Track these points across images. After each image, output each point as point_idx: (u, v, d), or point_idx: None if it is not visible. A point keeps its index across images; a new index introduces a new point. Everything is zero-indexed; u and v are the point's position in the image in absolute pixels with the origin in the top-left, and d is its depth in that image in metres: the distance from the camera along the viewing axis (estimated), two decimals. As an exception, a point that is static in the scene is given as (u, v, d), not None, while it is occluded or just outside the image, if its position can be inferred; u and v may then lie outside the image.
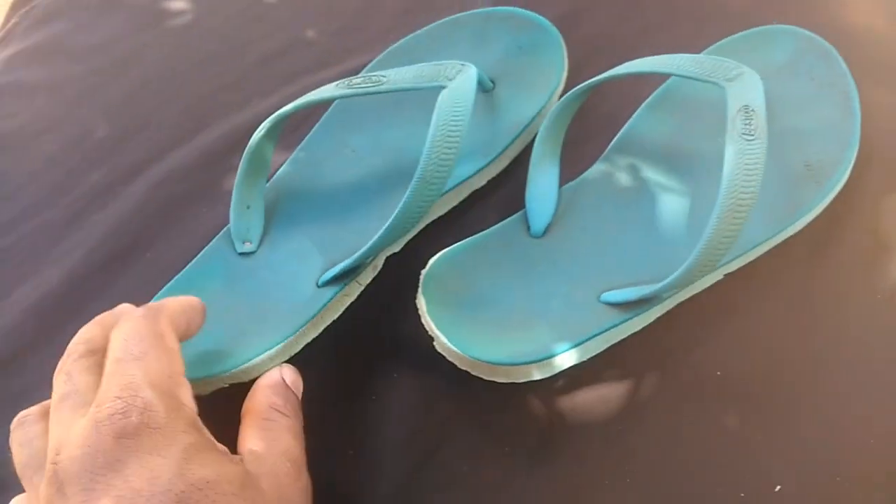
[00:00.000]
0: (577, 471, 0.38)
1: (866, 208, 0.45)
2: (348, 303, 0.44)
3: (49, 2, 0.67)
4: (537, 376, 0.40)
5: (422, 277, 0.42)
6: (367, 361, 0.43)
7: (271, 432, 0.33)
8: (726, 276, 0.43)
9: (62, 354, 0.45)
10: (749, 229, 0.42)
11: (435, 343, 0.40)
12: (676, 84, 0.49)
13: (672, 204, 0.45)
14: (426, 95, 0.41)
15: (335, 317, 0.43)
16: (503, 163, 0.49)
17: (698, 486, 0.37)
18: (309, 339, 0.42)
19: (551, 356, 0.39)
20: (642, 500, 0.37)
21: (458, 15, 0.54)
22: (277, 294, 0.43)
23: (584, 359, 0.41)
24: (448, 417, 0.40)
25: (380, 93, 0.42)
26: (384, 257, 0.45)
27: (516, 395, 0.40)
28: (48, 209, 0.52)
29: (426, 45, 0.53)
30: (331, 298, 0.42)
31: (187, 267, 0.44)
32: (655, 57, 0.43)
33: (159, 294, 0.42)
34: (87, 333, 0.34)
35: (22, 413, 0.33)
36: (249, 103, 0.55)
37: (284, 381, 0.36)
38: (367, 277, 0.44)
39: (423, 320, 0.40)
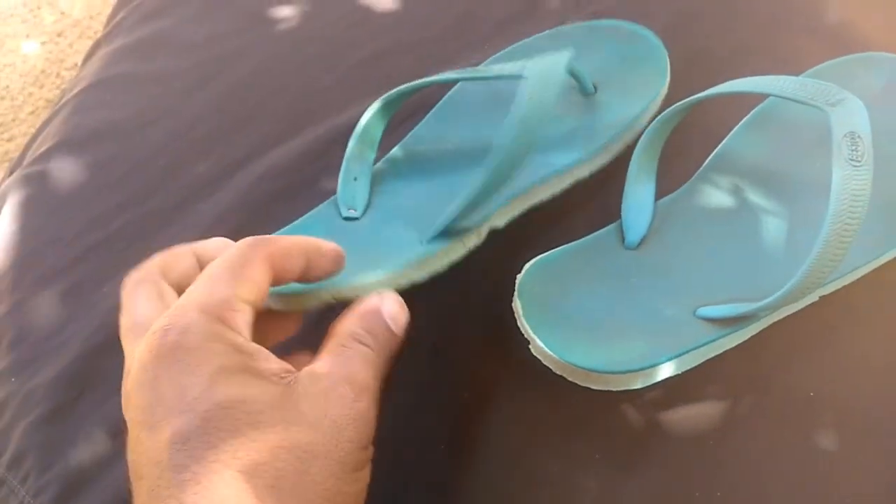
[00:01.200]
0: (666, 481, 0.39)
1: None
2: (454, 258, 0.45)
3: (155, -2, 0.69)
4: (633, 386, 0.40)
5: (518, 281, 0.42)
6: (464, 359, 0.44)
7: (340, 357, 0.31)
8: (822, 297, 0.43)
9: None
10: (848, 254, 0.42)
11: (531, 346, 0.41)
12: (774, 105, 0.49)
13: (767, 224, 0.45)
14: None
15: (439, 268, 0.44)
16: (604, 158, 0.49)
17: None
18: (414, 279, 0.43)
19: (648, 367, 0.39)
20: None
21: (561, 27, 0.55)
22: (381, 249, 0.44)
23: (679, 372, 0.41)
24: (540, 418, 0.41)
25: (486, 78, 0.46)
26: (488, 228, 0.46)
27: (610, 402, 0.41)
28: (154, 197, 0.53)
29: (527, 55, 0.54)
30: (437, 249, 0.43)
31: (291, 224, 0.45)
32: (759, 77, 0.43)
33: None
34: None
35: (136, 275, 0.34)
36: (349, 105, 0.56)
37: (380, 310, 0.34)
38: (470, 241, 0.45)
39: (518, 323, 0.41)
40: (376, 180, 0.48)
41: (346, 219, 0.46)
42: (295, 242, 0.34)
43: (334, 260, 0.36)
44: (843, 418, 0.39)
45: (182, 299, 0.30)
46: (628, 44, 0.53)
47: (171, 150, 0.56)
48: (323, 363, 0.31)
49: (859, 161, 0.37)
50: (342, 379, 0.30)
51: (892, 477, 0.37)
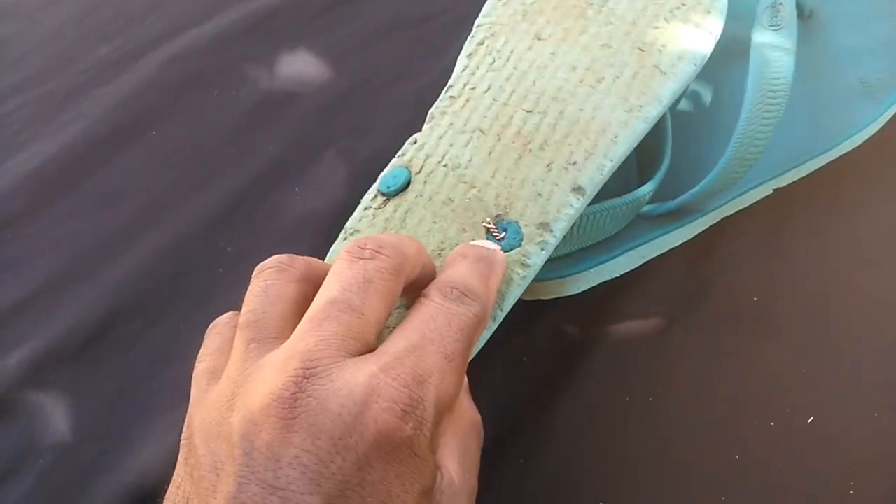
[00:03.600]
0: (602, 391, 0.36)
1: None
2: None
3: None
4: (565, 293, 0.38)
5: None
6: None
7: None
8: (775, 191, 0.41)
9: (53, 227, 0.43)
10: (800, 142, 0.40)
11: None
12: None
13: (712, 113, 0.43)
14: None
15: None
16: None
17: (728, 412, 0.35)
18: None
19: (581, 270, 0.37)
20: (669, 423, 0.35)
21: None
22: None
23: (617, 275, 0.38)
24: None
25: None
26: None
27: (540, 312, 0.38)
28: (52, 79, 0.50)
29: None
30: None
31: None
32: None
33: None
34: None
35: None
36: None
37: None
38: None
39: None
40: None
41: None
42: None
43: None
44: (786, 326, 0.37)
45: (419, 370, 0.23)
46: None
47: (74, 31, 0.52)
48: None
49: (779, 25, 0.37)
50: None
51: (835, 386, 0.35)
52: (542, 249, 0.30)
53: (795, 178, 0.41)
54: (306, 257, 0.27)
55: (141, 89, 0.48)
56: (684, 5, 0.35)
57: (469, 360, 0.25)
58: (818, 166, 0.41)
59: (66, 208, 0.44)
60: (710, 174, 0.35)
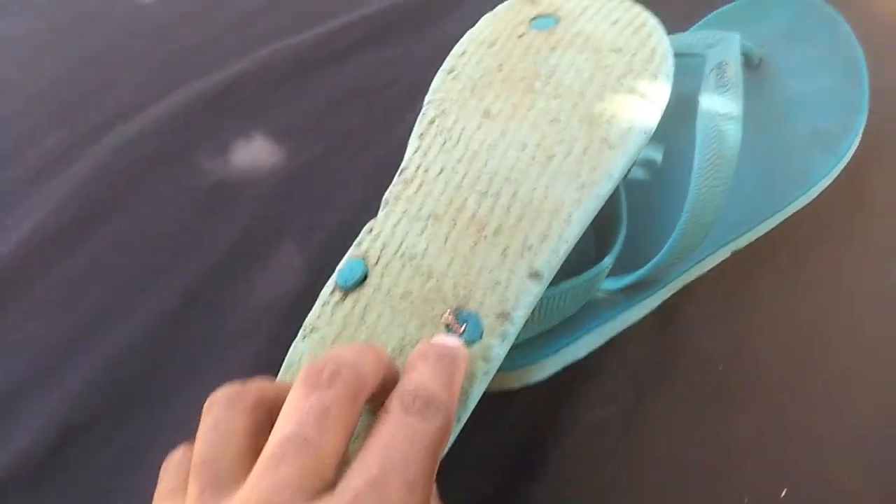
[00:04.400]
0: (578, 471, 0.36)
1: (877, 180, 0.43)
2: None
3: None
4: (531, 381, 0.37)
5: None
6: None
7: None
8: (733, 254, 0.41)
9: (9, 330, 0.42)
10: (756, 201, 0.40)
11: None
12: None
13: (667, 181, 0.43)
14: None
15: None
16: None
17: (702, 488, 0.35)
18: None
19: (545, 356, 0.36)
20: (649, 500, 0.35)
21: None
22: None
23: (582, 355, 0.38)
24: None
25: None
26: None
27: (509, 399, 0.38)
28: (7, 169, 0.49)
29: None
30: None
31: None
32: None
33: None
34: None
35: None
36: (225, 64, 0.51)
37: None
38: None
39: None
40: None
41: None
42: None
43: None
44: (755, 394, 0.37)
45: None
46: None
47: (26, 117, 0.51)
48: None
49: (725, 87, 0.36)
50: None
51: (807, 458, 0.35)
52: (504, 340, 0.29)
53: (753, 239, 0.41)
54: (258, 383, 0.26)
55: (94, 178, 0.47)
56: (631, 72, 0.35)
57: (435, 472, 0.25)
58: (775, 224, 0.41)
59: (22, 309, 0.43)
60: (665, 247, 0.35)
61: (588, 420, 0.37)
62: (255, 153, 0.49)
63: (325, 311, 0.32)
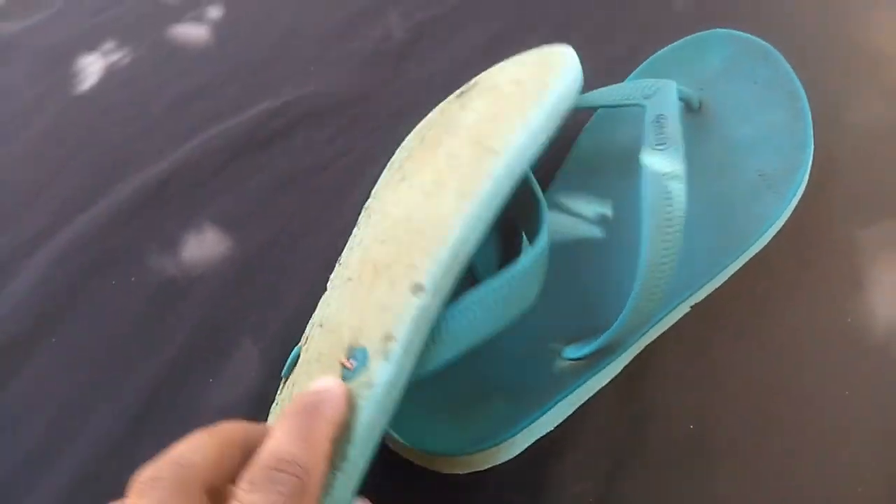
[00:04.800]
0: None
1: (830, 217, 0.43)
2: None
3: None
4: (502, 459, 0.36)
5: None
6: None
7: None
8: (693, 308, 0.40)
9: None
10: (711, 251, 0.39)
11: (387, 440, 0.36)
12: (605, 115, 0.46)
13: (619, 237, 0.42)
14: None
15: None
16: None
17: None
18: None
19: (514, 434, 0.35)
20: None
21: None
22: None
23: (551, 428, 0.37)
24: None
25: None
26: None
27: (478, 483, 0.36)
28: None
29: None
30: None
31: None
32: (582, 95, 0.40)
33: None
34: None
35: None
36: (164, 153, 0.50)
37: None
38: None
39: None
40: None
41: None
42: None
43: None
44: (724, 456, 0.36)
45: None
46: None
47: None
48: None
49: (664, 143, 0.35)
50: None
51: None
52: (387, 360, 0.28)
53: (711, 291, 0.40)
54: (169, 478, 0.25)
55: (34, 291, 0.46)
56: (524, 90, 0.34)
57: None
58: (731, 273, 0.41)
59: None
60: (621, 315, 0.34)
61: (562, 497, 0.36)
62: (201, 245, 0.48)
63: (274, 410, 0.33)
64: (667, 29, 0.49)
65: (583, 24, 0.54)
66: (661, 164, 0.35)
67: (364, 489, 0.34)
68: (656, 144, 0.35)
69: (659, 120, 0.37)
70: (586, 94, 0.40)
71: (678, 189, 0.34)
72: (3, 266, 0.48)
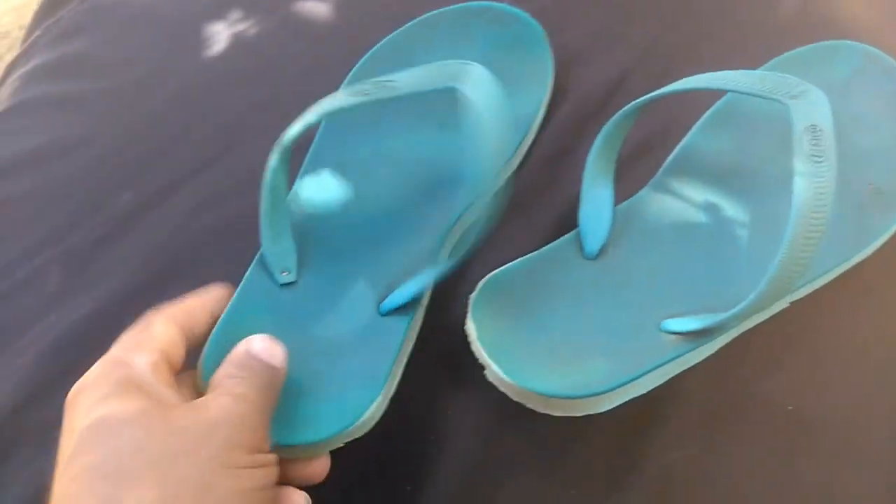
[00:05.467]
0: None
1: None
2: (418, 325, 0.41)
3: (75, 14, 0.64)
4: (597, 410, 0.37)
5: (471, 302, 0.39)
6: (423, 397, 0.40)
7: (217, 393, 0.33)
8: (792, 303, 0.40)
9: None
10: (816, 256, 0.40)
11: (486, 372, 0.38)
12: (734, 101, 0.46)
13: (731, 228, 0.42)
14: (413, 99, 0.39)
15: (411, 347, 0.41)
16: (515, 162, 0.47)
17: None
18: (398, 378, 0.39)
19: (611, 389, 0.36)
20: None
21: (430, 14, 0.52)
22: (339, 326, 0.40)
23: (643, 392, 0.38)
24: (506, 458, 0.38)
25: (392, 98, 0.39)
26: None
27: (575, 429, 0.38)
28: (74, 232, 0.49)
29: (405, 45, 0.52)
30: (407, 328, 0.39)
31: (229, 306, 0.39)
32: (716, 73, 0.41)
33: (211, 340, 0.38)
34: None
35: None
36: (286, 120, 0.52)
37: (249, 350, 0.35)
38: (425, 298, 0.41)
39: (473, 348, 0.38)
40: (294, 226, 0.43)
41: (283, 285, 0.41)
42: (199, 302, 0.38)
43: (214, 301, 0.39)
44: (823, 436, 0.37)
45: None
46: (504, 28, 0.51)
47: (92, 179, 0.52)
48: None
49: (821, 157, 0.35)
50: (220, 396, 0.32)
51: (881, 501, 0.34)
52: None
53: (810, 291, 0.41)
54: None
55: (168, 238, 0.48)
56: None
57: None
58: (833, 277, 0.41)
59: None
60: (743, 303, 0.35)
61: (658, 462, 0.37)
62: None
63: None
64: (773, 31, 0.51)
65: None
66: (816, 178, 0.34)
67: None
68: (810, 156, 0.35)
69: (814, 131, 0.37)
70: (719, 74, 0.40)
71: (826, 206, 0.34)
72: (127, 218, 0.50)
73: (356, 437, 0.37)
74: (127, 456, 0.28)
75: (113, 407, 0.30)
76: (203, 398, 0.32)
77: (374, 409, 0.37)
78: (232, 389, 0.32)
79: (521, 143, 0.47)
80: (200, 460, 0.29)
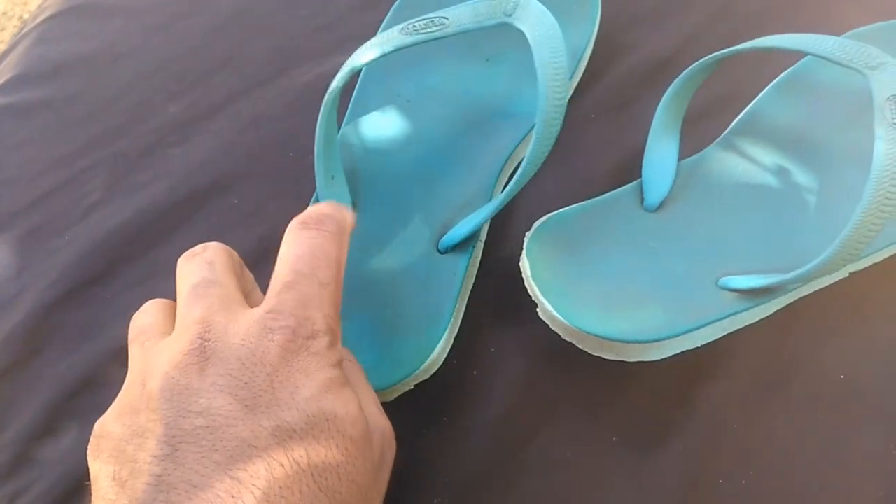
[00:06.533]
0: (687, 468, 0.35)
1: None
2: (477, 265, 0.41)
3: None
4: (648, 357, 0.37)
5: (526, 239, 0.39)
6: (471, 331, 0.39)
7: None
8: (851, 274, 0.40)
9: (130, 290, 0.43)
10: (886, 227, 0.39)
11: (538, 310, 0.37)
12: (808, 66, 0.45)
13: (797, 191, 0.42)
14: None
15: (472, 284, 0.40)
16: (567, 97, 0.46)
17: (819, 490, 0.34)
18: (461, 316, 0.39)
19: (665, 338, 0.36)
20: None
21: None
22: (398, 267, 0.39)
23: (698, 345, 0.37)
24: (550, 398, 0.37)
25: (446, 36, 0.38)
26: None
27: (624, 376, 0.37)
28: (123, 138, 0.49)
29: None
30: (468, 264, 0.39)
31: None
32: (795, 34, 0.40)
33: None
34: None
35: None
36: (342, 47, 0.52)
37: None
38: (483, 233, 0.41)
39: (526, 284, 0.37)
40: (350, 172, 0.43)
41: None
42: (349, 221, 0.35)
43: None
44: (875, 406, 0.36)
45: (301, 297, 0.29)
46: None
47: (142, 87, 0.52)
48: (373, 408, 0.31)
49: None
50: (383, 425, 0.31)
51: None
52: None
53: (871, 264, 0.40)
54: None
55: (215, 152, 0.48)
56: None
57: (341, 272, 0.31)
58: (893, 252, 0.41)
59: (141, 274, 0.43)
60: (809, 264, 0.34)
61: (707, 417, 0.37)
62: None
63: None
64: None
65: None
66: None
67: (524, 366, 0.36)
68: (894, 122, 0.35)
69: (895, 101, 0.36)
70: (799, 35, 0.39)
71: None
72: (184, 124, 0.49)
73: (423, 379, 0.36)
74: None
75: (344, 407, 0.28)
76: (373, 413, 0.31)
77: (440, 350, 0.37)
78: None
79: (570, 78, 0.46)
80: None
